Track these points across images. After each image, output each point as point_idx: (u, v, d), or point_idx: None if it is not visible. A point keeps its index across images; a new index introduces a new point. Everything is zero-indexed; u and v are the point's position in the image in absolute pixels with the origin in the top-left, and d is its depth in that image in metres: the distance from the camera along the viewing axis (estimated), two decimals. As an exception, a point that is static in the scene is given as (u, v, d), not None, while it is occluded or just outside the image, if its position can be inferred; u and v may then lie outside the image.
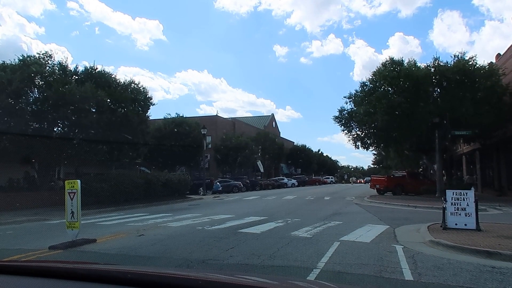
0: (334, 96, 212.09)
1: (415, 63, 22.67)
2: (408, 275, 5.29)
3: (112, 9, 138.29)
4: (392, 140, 24.95)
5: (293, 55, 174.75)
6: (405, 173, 32.28)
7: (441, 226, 9.32)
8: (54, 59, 19.05)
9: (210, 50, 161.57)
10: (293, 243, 7.71)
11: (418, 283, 5.02)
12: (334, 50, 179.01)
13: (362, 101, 24.15)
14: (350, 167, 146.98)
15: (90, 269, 1.64)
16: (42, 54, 18.72)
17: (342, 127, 27.06)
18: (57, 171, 24.88)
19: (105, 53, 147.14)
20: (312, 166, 70.95)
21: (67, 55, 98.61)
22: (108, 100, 19.58)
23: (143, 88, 22.50)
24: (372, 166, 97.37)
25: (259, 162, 52.58)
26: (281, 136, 70.37)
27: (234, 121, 56.68)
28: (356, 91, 25.45)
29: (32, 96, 18.27)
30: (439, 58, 22.73)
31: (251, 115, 77.23)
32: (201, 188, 29.94)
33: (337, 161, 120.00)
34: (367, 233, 9.06)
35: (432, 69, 22.34)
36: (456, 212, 9.21)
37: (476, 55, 41.43)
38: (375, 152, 53.05)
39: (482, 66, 21.76)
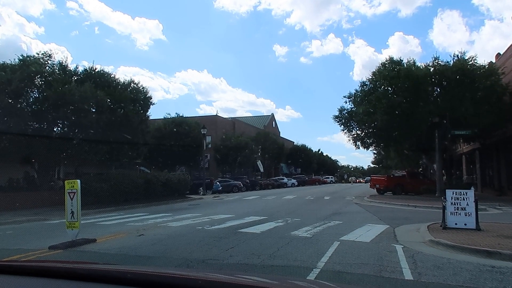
0: (334, 96, 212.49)
1: (414, 62, 22.70)
2: (408, 275, 5.29)
3: (112, 9, 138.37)
4: (392, 140, 24.95)
5: (293, 55, 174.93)
6: (405, 173, 32.27)
7: (441, 226, 9.32)
8: (53, 59, 19.08)
9: (209, 49, 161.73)
10: (293, 242, 7.71)
11: (418, 282, 5.02)
12: (334, 49, 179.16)
13: (362, 100, 24.17)
14: (350, 166, 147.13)
15: (90, 269, 1.64)
16: (42, 54, 18.74)
17: (342, 126, 27.11)
18: (57, 171, 24.89)
19: (104, 53, 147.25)
20: (312, 166, 70.95)
21: (67, 55, 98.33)
22: (108, 100, 19.58)
23: (142, 88, 22.55)
24: (372, 165, 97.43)
25: (259, 162, 52.58)
26: (281, 136, 70.38)
27: (234, 121, 56.69)
28: (356, 90, 25.52)
29: (32, 96, 18.27)
30: (439, 57, 22.73)
31: (251, 115, 77.35)
32: (201, 188, 29.94)
33: (337, 161, 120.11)
34: (367, 233, 9.06)
35: (432, 69, 22.35)
36: (456, 212, 9.21)
37: (476, 55, 41.38)
38: (375, 152, 53.06)
39: (482, 65, 21.77)
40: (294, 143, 70.46)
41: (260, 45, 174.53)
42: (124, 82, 21.81)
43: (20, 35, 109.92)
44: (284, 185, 46.45)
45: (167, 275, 1.49)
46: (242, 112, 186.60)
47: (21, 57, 18.18)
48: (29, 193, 17.99)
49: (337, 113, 26.84)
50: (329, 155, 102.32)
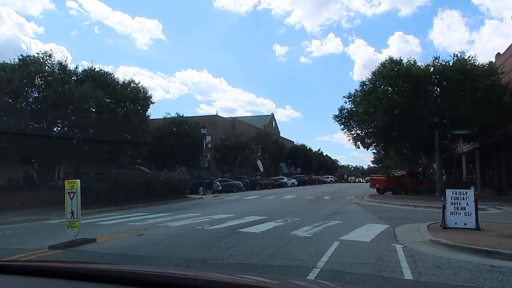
0: (334, 96, 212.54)
1: (415, 62, 22.69)
2: (408, 274, 5.29)
3: (112, 9, 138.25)
4: (392, 140, 24.94)
5: (292, 55, 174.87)
6: (405, 173, 32.30)
7: (440, 226, 9.33)
8: (53, 58, 19.07)
9: (209, 49, 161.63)
10: (293, 242, 7.71)
11: (417, 282, 5.02)
12: (333, 49, 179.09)
13: (362, 100, 24.16)
14: (349, 166, 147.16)
15: (90, 268, 1.64)
16: (42, 53, 18.74)
17: (342, 126, 27.10)
18: (56, 171, 24.85)
19: (104, 52, 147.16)
20: (312, 166, 70.96)
21: (67, 54, 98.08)
22: (108, 99, 19.58)
23: (142, 88, 22.53)
24: (372, 165, 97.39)
25: (259, 161, 52.58)
26: (281, 135, 70.36)
27: (234, 121, 56.69)
28: (356, 90, 25.50)
29: (31, 96, 18.26)
30: (439, 57, 22.74)
31: (251, 115, 77.29)
32: (201, 188, 29.93)
33: (337, 161, 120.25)
34: (367, 233, 9.06)
35: (432, 68, 22.35)
36: (456, 212, 9.21)
37: (476, 54, 41.55)
38: (374, 152, 53.06)
39: (482, 65, 21.76)
40: (294, 143, 70.45)
41: (260, 45, 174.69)
42: (124, 82, 21.82)
43: (19, 34, 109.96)
44: (284, 185, 46.46)
45: (167, 275, 1.49)
46: (242, 112, 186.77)
47: (21, 57, 18.19)
48: (29, 192, 17.98)
49: (337, 113, 26.86)
50: (329, 155, 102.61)
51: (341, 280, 5.21)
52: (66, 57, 36.71)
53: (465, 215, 9.13)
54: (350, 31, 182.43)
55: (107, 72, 21.25)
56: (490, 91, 20.80)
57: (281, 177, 52.83)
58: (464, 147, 32.25)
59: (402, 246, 7.31)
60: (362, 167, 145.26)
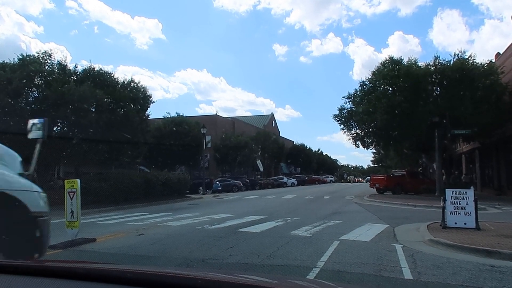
0: (334, 95, 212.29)
1: (415, 61, 22.69)
2: (407, 274, 5.29)
3: (111, 8, 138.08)
4: (391, 139, 24.97)
5: (292, 54, 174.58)
6: (405, 172, 32.32)
7: (440, 225, 9.33)
8: (53, 58, 19.06)
9: (209, 49, 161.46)
10: (292, 242, 7.71)
11: (417, 282, 5.02)
12: (333, 49, 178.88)
13: (362, 100, 24.16)
14: (349, 166, 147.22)
15: (90, 268, 1.64)
16: (41, 53, 18.73)
17: (342, 126, 27.11)
18: (56, 171, 24.90)
19: (104, 52, 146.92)
20: (312, 165, 70.98)
21: (66, 54, 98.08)
22: (108, 99, 19.57)
23: (142, 87, 22.53)
24: (372, 165, 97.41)
25: (259, 161, 52.59)
26: (280, 135, 70.37)
27: (234, 120, 56.71)
28: (356, 90, 25.50)
29: (31, 96, 18.26)
30: (439, 57, 22.73)
31: (251, 115, 77.28)
32: (200, 188, 29.93)
33: (337, 160, 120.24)
34: (366, 232, 9.06)
35: (432, 68, 22.35)
36: (456, 211, 9.22)
37: (475, 54, 41.41)
38: (374, 151, 53.12)
39: (481, 64, 21.77)
40: (294, 143, 70.46)
41: (260, 45, 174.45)
42: (123, 82, 21.81)
43: (19, 34, 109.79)
44: (283, 185, 46.48)
45: (167, 275, 1.49)
46: (241, 111, 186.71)
47: (20, 57, 18.19)
48: (28, 192, 17.94)
49: (337, 112, 26.86)
50: (329, 155, 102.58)
51: (341, 280, 5.21)
52: (66, 57, 36.65)
53: (465, 214, 9.13)
54: (350, 31, 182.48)
55: (106, 72, 21.25)
56: (490, 91, 20.81)
57: (281, 176, 52.87)
58: (464, 146, 32.26)
59: (402, 245, 7.31)
60: (362, 166, 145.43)
